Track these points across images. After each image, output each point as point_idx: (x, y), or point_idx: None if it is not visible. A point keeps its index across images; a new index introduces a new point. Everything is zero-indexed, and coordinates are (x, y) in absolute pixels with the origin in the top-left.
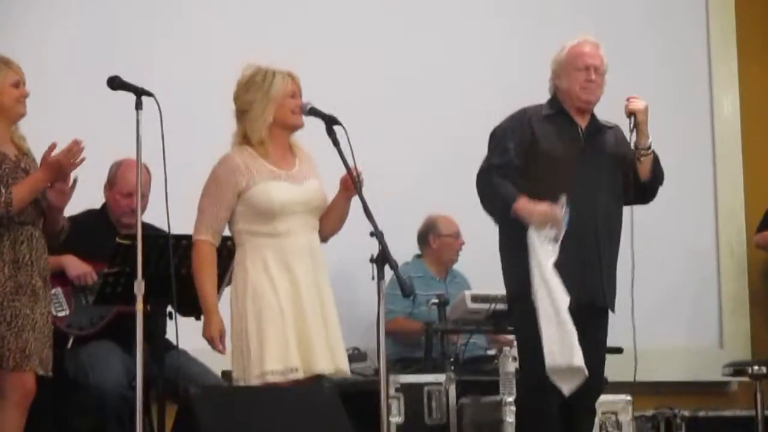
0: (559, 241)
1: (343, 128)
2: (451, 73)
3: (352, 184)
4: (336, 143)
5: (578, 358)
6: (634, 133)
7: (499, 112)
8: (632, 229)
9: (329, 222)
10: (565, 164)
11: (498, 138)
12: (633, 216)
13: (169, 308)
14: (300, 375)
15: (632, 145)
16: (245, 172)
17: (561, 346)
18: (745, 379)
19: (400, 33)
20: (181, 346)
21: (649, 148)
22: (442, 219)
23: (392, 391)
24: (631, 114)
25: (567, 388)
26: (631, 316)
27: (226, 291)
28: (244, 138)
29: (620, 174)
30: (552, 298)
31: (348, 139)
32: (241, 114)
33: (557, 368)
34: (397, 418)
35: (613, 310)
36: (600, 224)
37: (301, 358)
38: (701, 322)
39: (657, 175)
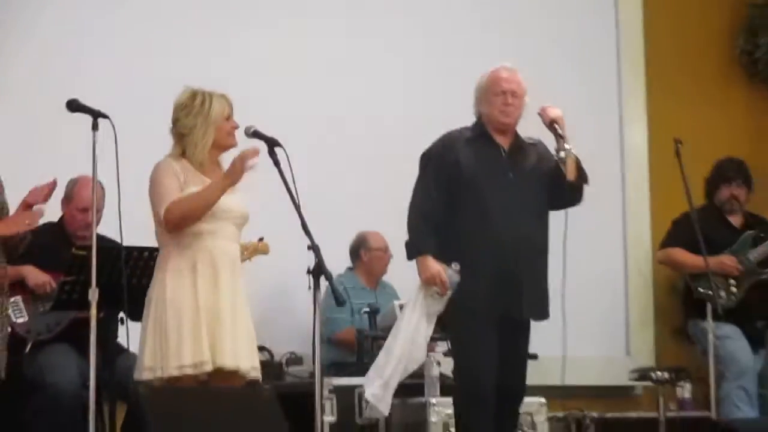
0: (444, 299)
1: (284, 150)
2: (380, 102)
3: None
4: (277, 164)
5: (376, 399)
6: (560, 139)
7: (423, 136)
8: (564, 250)
9: None
10: (487, 185)
11: (422, 166)
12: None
13: (121, 314)
14: (209, 368)
15: (555, 150)
16: (180, 174)
17: (374, 376)
18: (649, 383)
19: (338, 61)
20: (131, 349)
21: (571, 149)
22: (372, 235)
23: (326, 393)
24: (552, 122)
25: (367, 412)
26: (554, 326)
27: None
28: (181, 155)
29: (545, 188)
30: (397, 341)
31: (288, 161)
32: (181, 136)
33: (364, 391)
34: (330, 418)
35: (541, 319)
36: (521, 241)
37: (211, 354)
38: (611, 332)
39: (582, 175)
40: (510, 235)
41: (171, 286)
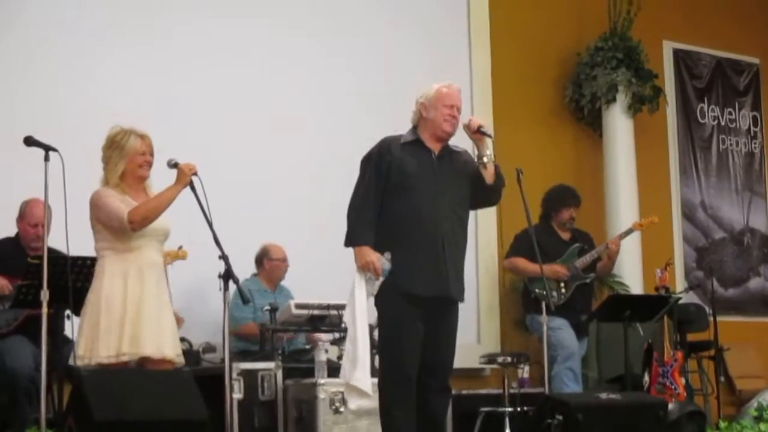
0: (378, 283)
1: (199, 178)
2: (288, 124)
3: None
4: (193, 189)
5: (358, 381)
6: (485, 144)
7: (333, 155)
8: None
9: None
10: (418, 182)
11: (362, 168)
12: None
13: (67, 311)
14: (127, 358)
15: (477, 157)
16: (118, 197)
17: (351, 366)
18: (496, 366)
19: (248, 84)
20: (75, 339)
21: (492, 155)
22: (273, 247)
23: (235, 375)
24: (480, 127)
25: (352, 401)
26: None
27: None
28: (106, 182)
29: (467, 189)
30: (355, 326)
31: (203, 186)
32: (104, 164)
33: (344, 383)
34: (238, 395)
35: (461, 300)
36: (446, 231)
37: (131, 345)
38: (464, 323)
39: (500, 178)
40: (437, 227)
41: (105, 290)
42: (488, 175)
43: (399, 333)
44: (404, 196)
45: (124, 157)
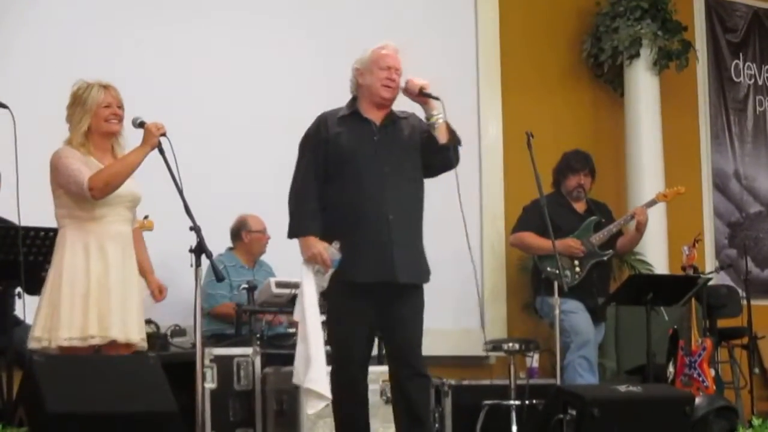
0: (328, 275)
1: (168, 140)
2: (259, 97)
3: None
4: (162, 152)
5: (313, 383)
6: (431, 106)
7: (297, 128)
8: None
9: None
10: (358, 158)
11: (301, 148)
12: None
13: (18, 289)
14: (97, 341)
15: (426, 118)
16: (80, 158)
17: (304, 367)
18: (502, 354)
19: (225, 52)
20: (27, 321)
21: (441, 114)
22: (252, 218)
23: (207, 362)
24: (422, 88)
25: (309, 406)
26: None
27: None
28: (69, 142)
29: (417, 158)
30: (306, 323)
31: (172, 149)
32: (68, 123)
33: (300, 385)
34: (210, 385)
35: (421, 282)
36: (393, 209)
37: (99, 328)
38: (467, 307)
39: (454, 136)
40: (381, 207)
41: (66, 264)
42: (441, 136)
43: (345, 323)
44: (345, 176)
45: (88, 111)
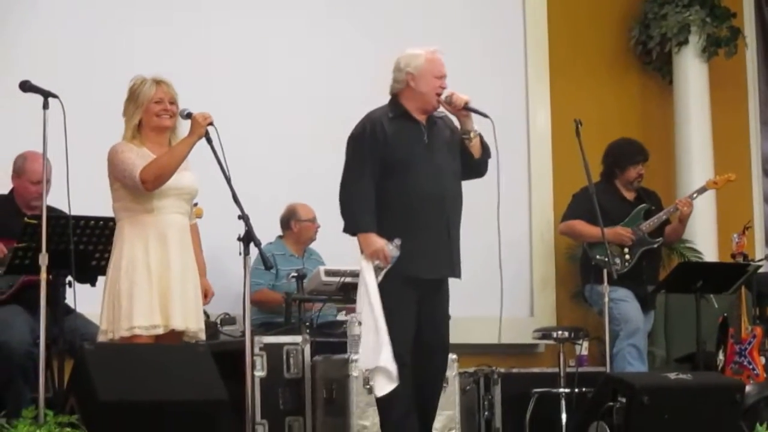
0: (385, 271)
1: (215, 129)
2: (310, 86)
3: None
4: (209, 141)
5: (387, 362)
6: (470, 120)
7: (349, 118)
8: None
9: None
10: (414, 159)
11: (353, 148)
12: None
13: (69, 278)
14: (160, 331)
15: (462, 132)
16: (136, 152)
17: (374, 352)
18: (551, 342)
19: (270, 52)
20: (78, 309)
21: (477, 130)
22: (301, 206)
23: (257, 350)
24: (467, 103)
25: (377, 386)
26: (466, 288)
27: None
28: (125, 136)
29: (458, 157)
30: (374, 315)
31: (219, 138)
32: (123, 116)
33: (369, 369)
34: (260, 373)
35: (459, 277)
36: (448, 207)
37: (162, 317)
38: (516, 294)
39: (486, 150)
40: (442, 206)
41: (125, 256)
42: (475, 150)
43: (401, 317)
44: (405, 176)
45: (140, 107)
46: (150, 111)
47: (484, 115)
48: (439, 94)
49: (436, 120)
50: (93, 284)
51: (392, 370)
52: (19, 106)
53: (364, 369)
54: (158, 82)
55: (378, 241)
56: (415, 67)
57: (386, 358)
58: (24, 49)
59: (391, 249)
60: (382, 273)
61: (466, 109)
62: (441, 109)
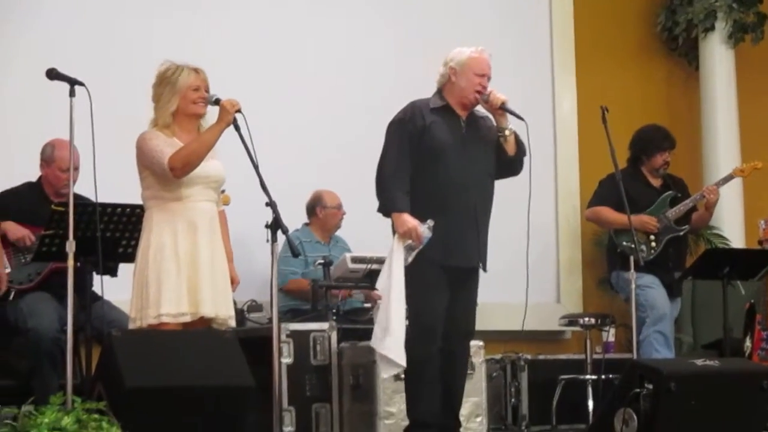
0: (416, 251)
1: (243, 116)
2: (335, 74)
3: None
4: (237, 128)
5: (387, 350)
6: (506, 119)
7: (374, 107)
8: (529, 204)
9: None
10: (448, 150)
11: (393, 132)
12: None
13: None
14: (188, 318)
15: (497, 130)
16: (161, 137)
17: (382, 334)
18: (578, 328)
19: (294, 39)
20: (105, 297)
21: (512, 128)
22: (327, 193)
23: (283, 337)
24: (504, 103)
25: (384, 370)
26: (493, 276)
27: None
28: (155, 123)
29: (494, 155)
30: (391, 294)
31: (247, 125)
32: (154, 103)
33: (375, 350)
34: (287, 360)
35: (485, 270)
36: (477, 199)
37: (189, 304)
38: (542, 281)
39: (521, 149)
40: (471, 196)
41: (153, 244)
42: (509, 148)
43: (430, 303)
44: (437, 164)
45: (177, 93)
46: (187, 98)
47: (520, 117)
48: (478, 92)
49: (477, 118)
50: (114, 275)
51: (394, 359)
52: (45, 94)
53: (373, 346)
54: (196, 70)
55: (411, 221)
56: (458, 63)
57: (388, 346)
58: (42, 36)
59: (423, 229)
60: (413, 254)
61: (502, 109)
62: (482, 109)
